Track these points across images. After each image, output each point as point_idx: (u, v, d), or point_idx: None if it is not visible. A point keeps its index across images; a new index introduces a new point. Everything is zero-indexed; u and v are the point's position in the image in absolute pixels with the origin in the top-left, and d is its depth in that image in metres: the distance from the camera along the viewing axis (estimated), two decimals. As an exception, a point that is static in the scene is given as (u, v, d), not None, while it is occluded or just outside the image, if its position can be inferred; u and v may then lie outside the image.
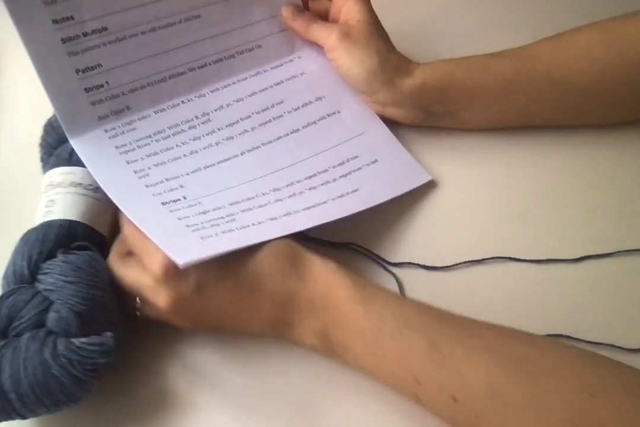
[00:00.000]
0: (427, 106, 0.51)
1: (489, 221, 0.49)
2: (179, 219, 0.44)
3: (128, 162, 0.47)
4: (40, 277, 0.41)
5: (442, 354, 0.35)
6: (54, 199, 0.45)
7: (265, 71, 0.54)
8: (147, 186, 0.46)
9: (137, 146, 0.48)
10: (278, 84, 0.54)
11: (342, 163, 0.50)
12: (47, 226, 0.43)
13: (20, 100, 0.43)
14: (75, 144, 0.46)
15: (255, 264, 0.40)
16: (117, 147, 0.47)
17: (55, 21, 0.45)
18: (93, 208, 0.45)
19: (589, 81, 0.48)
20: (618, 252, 0.46)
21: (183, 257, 0.38)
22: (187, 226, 0.43)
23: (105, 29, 0.47)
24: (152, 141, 0.48)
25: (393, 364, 0.37)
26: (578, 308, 0.44)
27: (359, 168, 0.50)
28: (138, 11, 0.48)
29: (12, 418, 0.38)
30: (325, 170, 0.49)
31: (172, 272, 0.39)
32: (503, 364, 0.34)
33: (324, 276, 0.40)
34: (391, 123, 0.53)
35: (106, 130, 0.48)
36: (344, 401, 0.40)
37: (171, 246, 0.40)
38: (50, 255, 0.42)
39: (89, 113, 0.47)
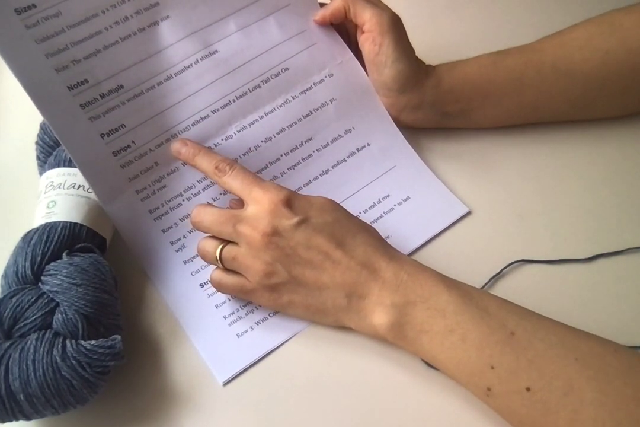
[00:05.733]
0: (444, 106, 0.52)
1: (497, 223, 0.50)
2: (216, 307, 0.45)
3: (164, 231, 0.47)
4: (44, 278, 0.41)
5: (519, 344, 0.36)
6: (55, 200, 0.45)
7: (293, 98, 0.50)
8: (184, 262, 0.47)
9: (170, 208, 0.47)
10: (307, 115, 0.50)
11: (373, 205, 0.50)
12: (49, 227, 0.43)
13: (20, 99, 0.42)
14: (109, 211, 0.45)
15: (353, 224, 0.42)
16: (150, 212, 0.46)
17: (70, 87, 0.43)
18: (95, 211, 0.45)
19: (592, 70, 0.50)
20: (629, 249, 0.47)
21: (224, 374, 0.42)
22: (224, 317, 0.45)
23: (122, 86, 0.45)
24: (183, 200, 0.47)
25: (470, 348, 0.37)
26: (594, 306, 0.45)
27: (391, 209, 0.50)
28: (151, 61, 0.46)
29: (17, 419, 0.38)
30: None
31: (280, 206, 0.41)
32: (579, 361, 0.35)
33: (410, 259, 0.42)
34: (403, 127, 0.53)
35: (137, 191, 0.46)
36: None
37: (215, 359, 0.43)
38: (54, 256, 0.42)
39: (120, 176, 0.45)
